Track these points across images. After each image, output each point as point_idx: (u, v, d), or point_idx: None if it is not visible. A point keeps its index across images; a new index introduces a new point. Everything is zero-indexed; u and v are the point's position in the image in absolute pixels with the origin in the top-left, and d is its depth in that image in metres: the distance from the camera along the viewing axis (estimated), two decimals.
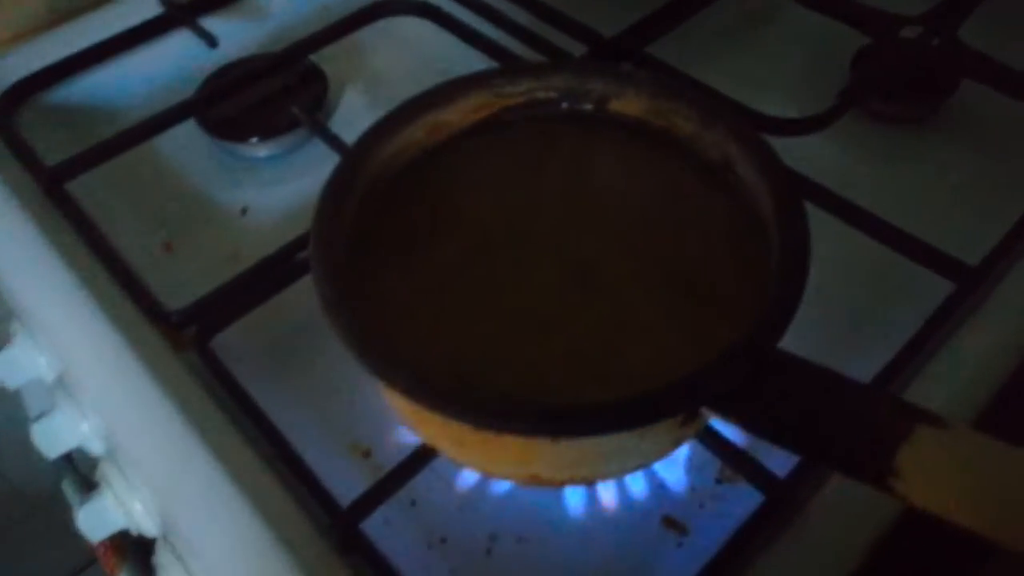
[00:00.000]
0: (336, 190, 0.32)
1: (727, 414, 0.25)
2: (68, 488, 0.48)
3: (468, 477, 0.35)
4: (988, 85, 0.45)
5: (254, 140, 0.48)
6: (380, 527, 0.33)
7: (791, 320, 0.26)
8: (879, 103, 0.47)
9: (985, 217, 0.42)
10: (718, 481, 0.34)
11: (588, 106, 0.35)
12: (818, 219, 0.30)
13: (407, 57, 0.53)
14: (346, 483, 0.33)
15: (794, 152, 0.34)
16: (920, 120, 0.47)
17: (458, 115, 0.35)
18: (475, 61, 0.48)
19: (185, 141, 0.48)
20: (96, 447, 0.40)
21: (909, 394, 0.34)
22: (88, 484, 0.49)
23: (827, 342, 0.31)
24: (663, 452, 0.30)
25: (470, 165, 0.35)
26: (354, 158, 0.33)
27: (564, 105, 0.35)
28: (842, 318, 0.38)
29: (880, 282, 0.40)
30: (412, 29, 0.52)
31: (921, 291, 0.37)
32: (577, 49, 0.48)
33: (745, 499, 0.32)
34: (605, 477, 0.32)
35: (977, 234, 0.39)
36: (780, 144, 0.33)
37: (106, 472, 0.38)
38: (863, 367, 0.34)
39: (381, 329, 0.29)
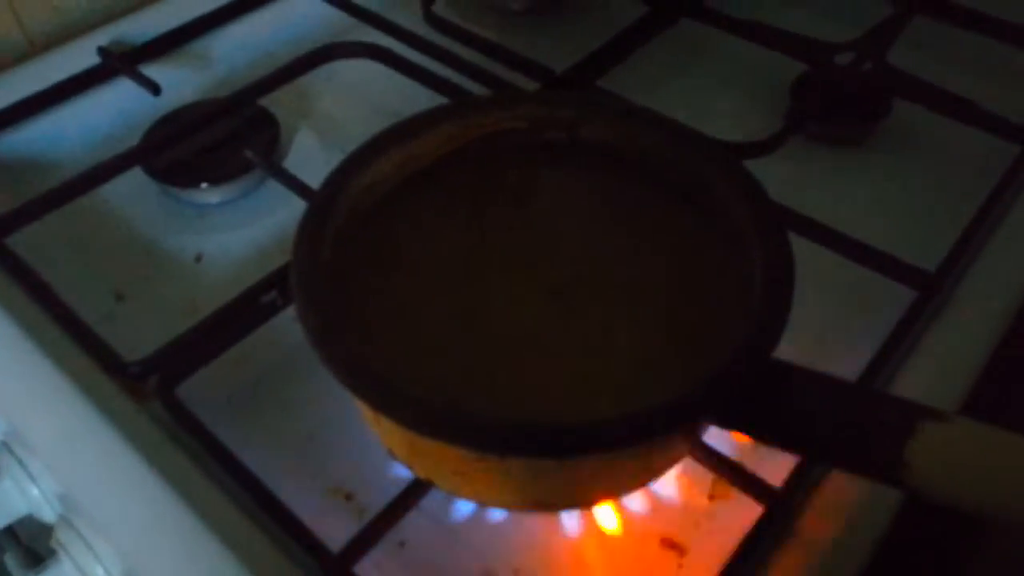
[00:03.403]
0: (313, 224, 0.31)
1: (738, 423, 0.25)
2: (12, 562, 0.45)
3: (457, 513, 0.34)
4: (919, 104, 0.47)
5: (204, 186, 0.46)
6: (371, 571, 0.32)
7: (786, 324, 0.26)
8: (819, 126, 0.49)
9: (928, 228, 0.44)
10: (711, 498, 0.34)
11: (558, 134, 0.35)
12: None
13: (358, 99, 0.53)
14: (330, 528, 0.32)
15: None
16: (859, 141, 0.49)
17: (430, 146, 0.34)
18: (426, 100, 0.48)
19: (133, 191, 0.47)
20: (48, 513, 0.38)
21: None
22: (34, 557, 0.46)
23: (797, 357, 0.31)
24: (662, 471, 0.30)
25: (444, 195, 0.35)
26: (329, 191, 0.32)
27: (535, 133, 0.36)
28: (808, 332, 0.39)
29: (839, 294, 0.41)
30: (361, 71, 0.52)
31: (878, 301, 0.38)
32: (529, 86, 0.49)
33: (739, 515, 0.32)
34: (606, 499, 0.32)
35: (922, 246, 0.40)
36: None
37: (63, 538, 0.36)
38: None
39: (368, 361, 0.29)
